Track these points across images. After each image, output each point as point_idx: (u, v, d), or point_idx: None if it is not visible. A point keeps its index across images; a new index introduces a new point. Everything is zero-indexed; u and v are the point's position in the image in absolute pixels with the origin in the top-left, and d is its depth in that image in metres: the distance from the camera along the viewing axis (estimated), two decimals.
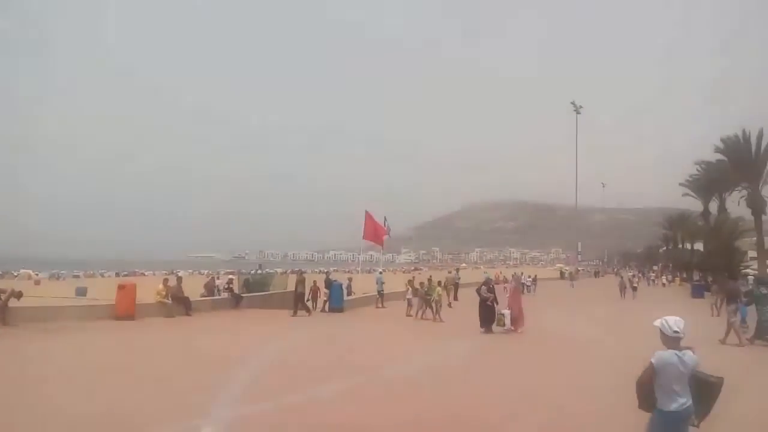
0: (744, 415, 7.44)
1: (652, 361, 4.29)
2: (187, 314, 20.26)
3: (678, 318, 4.38)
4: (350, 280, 29.56)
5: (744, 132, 39.68)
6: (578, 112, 69.59)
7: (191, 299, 21.59)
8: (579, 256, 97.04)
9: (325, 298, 24.71)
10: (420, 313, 21.51)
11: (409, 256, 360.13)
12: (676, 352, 4.29)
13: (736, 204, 43.08)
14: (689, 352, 4.35)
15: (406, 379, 9.94)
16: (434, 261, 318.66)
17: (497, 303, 17.59)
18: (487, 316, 17.18)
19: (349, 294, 27.62)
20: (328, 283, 25.17)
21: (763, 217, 39.40)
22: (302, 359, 12.02)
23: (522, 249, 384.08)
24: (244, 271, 50.40)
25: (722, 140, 41.14)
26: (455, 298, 30.31)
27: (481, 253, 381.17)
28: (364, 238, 28.65)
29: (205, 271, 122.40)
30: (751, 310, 16.40)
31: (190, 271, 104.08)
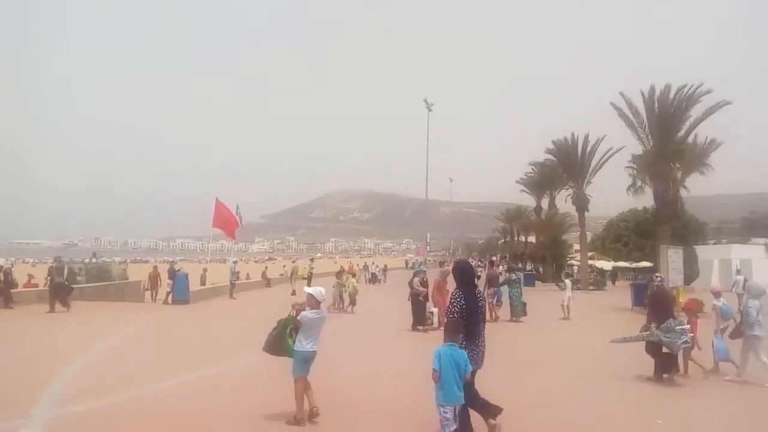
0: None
1: (299, 318, 6.41)
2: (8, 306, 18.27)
3: (322, 288, 6.69)
4: (205, 270, 28.10)
5: (573, 135, 44.02)
6: (429, 110, 72.52)
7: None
8: (428, 246, 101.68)
9: (169, 289, 23.12)
10: (339, 306, 20.49)
11: (263, 245, 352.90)
12: (317, 310, 6.50)
13: (564, 201, 47.78)
14: (324, 310, 6.69)
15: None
16: (289, 251, 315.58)
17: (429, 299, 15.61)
18: (421, 313, 15.33)
19: (203, 284, 26.16)
20: (172, 273, 23.52)
21: (586, 214, 44.01)
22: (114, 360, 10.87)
23: (376, 239, 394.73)
24: (77, 259, 45.49)
25: (553, 143, 45.22)
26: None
27: (337, 243, 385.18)
28: (213, 226, 27.21)
29: (30, 260, 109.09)
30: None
31: (13, 259, 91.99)
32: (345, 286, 20.95)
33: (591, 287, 39.09)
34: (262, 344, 6.77)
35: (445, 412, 5.13)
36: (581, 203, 42.75)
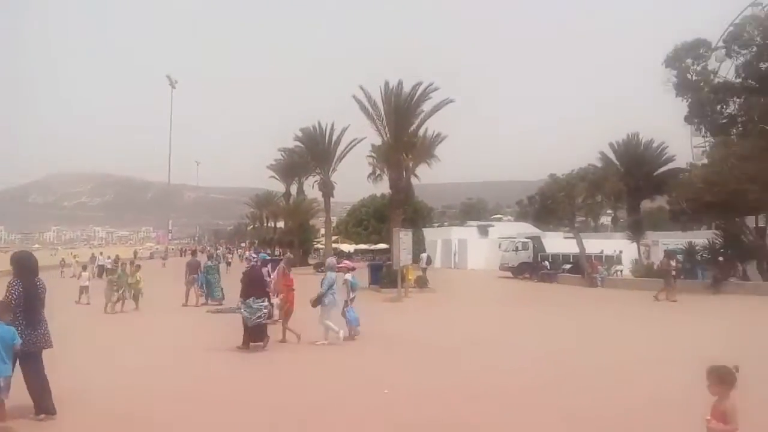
0: None
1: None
2: None
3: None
4: None
5: (319, 124, 45.57)
6: (173, 87, 67.74)
7: None
8: (170, 234, 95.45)
9: None
10: (114, 306, 17.13)
11: None
12: None
13: (312, 187, 49.34)
14: None
15: None
16: None
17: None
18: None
19: None
20: None
21: (332, 200, 46.08)
22: None
23: (109, 227, 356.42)
24: None
25: (301, 130, 46.25)
26: None
27: (60, 232, 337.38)
28: None
29: None
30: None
31: None
32: (122, 280, 17.72)
33: None
34: None
35: None
36: (327, 189, 44.56)
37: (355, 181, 43.08)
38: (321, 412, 6.93)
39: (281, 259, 16.04)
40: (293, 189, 58.79)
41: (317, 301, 11.37)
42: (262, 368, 9.70)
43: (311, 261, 53.50)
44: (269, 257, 19.21)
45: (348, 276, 12.36)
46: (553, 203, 32.64)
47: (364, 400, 7.56)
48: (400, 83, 27.55)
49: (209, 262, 20.73)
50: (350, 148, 44.34)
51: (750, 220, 26.11)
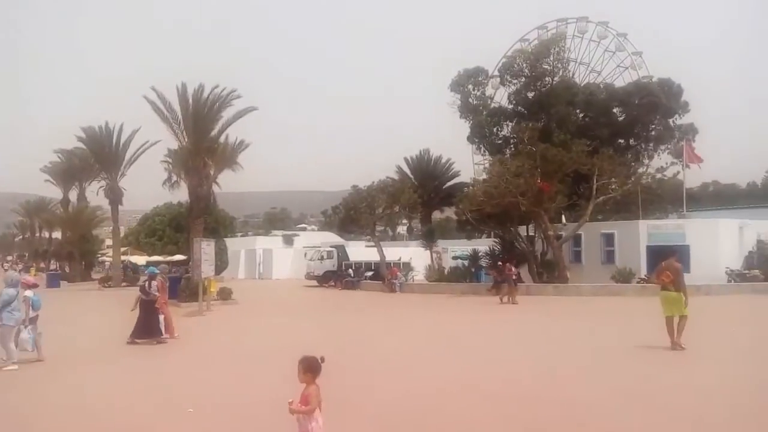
0: None
1: None
2: None
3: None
4: None
5: (107, 124, 41.24)
6: None
7: None
8: None
9: None
10: None
11: None
12: None
13: (96, 194, 44.43)
14: None
15: None
16: None
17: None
18: (153, 323, 13.34)
19: None
20: None
21: (120, 208, 41.99)
22: None
23: None
24: None
25: (83, 130, 41.29)
26: None
27: None
28: None
29: None
30: None
31: None
32: None
33: (124, 284, 37.54)
34: None
35: None
36: (115, 196, 40.67)
37: (149, 187, 39.97)
38: None
39: (58, 274, 14.40)
40: (73, 195, 52.32)
41: None
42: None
43: (95, 275, 48.34)
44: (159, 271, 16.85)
45: (29, 293, 10.94)
46: (356, 213, 33.93)
47: (170, 423, 7.02)
48: (201, 86, 26.31)
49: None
50: (142, 152, 40.94)
51: (522, 229, 29.85)
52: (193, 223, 26.84)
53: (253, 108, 27.25)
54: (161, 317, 13.70)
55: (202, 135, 26.37)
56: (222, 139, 27.55)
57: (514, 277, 22.80)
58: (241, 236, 71.21)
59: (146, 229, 61.18)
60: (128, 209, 52.17)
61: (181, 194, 29.85)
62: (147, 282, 13.87)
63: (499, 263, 26.63)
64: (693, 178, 35.35)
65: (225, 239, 52.37)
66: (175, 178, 29.03)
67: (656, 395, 7.77)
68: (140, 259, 52.43)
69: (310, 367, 4.50)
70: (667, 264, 11.24)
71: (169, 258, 51.81)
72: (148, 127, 35.71)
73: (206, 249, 21.81)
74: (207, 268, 21.62)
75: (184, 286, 24.21)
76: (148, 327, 13.36)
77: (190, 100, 26.16)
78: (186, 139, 26.52)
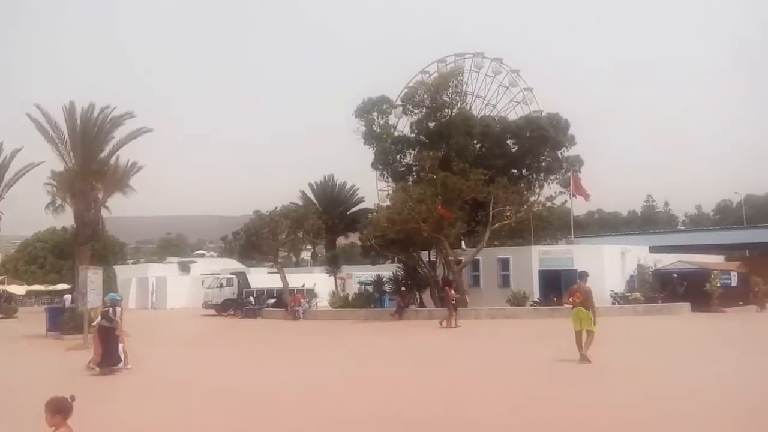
0: None
1: None
2: None
3: None
4: None
5: None
6: None
7: None
8: None
9: None
10: None
11: None
12: None
13: None
14: None
15: None
16: None
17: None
18: (113, 352, 13.17)
19: None
20: None
21: None
22: None
23: None
24: None
25: None
26: None
27: None
28: None
29: None
30: None
31: None
32: None
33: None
34: None
35: None
36: None
37: (30, 212, 36.69)
38: None
39: None
40: None
41: None
42: None
43: None
44: (120, 297, 15.77)
45: None
46: (258, 239, 33.11)
47: None
48: (91, 105, 24.72)
49: None
50: (23, 174, 37.61)
51: (425, 255, 30.52)
52: (79, 250, 24.90)
53: (147, 129, 25.99)
54: (120, 346, 13.58)
55: (90, 156, 24.72)
56: (113, 160, 26.00)
57: (453, 301, 22.69)
58: (133, 263, 67.23)
59: (26, 256, 56.20)
60: (6, 234, 47.60)
61: (66, 219, 27.61)
62: (110, 308, 13.81)
63: (403, 288, 26.94)
64: (580, 206, 37.98)
65: (114, 267, 49.22)
66: (59, 201, 26.88)
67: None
68: (19, 289, 47.83)
69: (59, 409, 4.07)
70: (578, 286, 12.75)
71: (51, 287, 47.78)
72: (30, 147, 33.01)
73: (93, 278, 20.30)
74: (94, 298, 20.12)
75: (67, 318, 22.32)
76: (107, 355, 13.26)
77: (78, 120, 24.51)
78: (73, 161, 24.75)
